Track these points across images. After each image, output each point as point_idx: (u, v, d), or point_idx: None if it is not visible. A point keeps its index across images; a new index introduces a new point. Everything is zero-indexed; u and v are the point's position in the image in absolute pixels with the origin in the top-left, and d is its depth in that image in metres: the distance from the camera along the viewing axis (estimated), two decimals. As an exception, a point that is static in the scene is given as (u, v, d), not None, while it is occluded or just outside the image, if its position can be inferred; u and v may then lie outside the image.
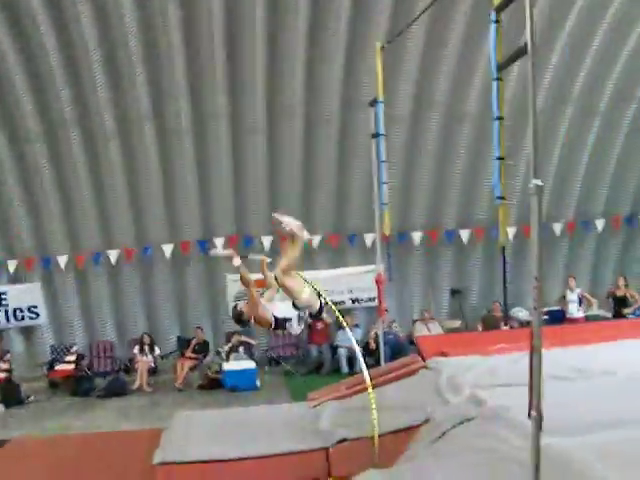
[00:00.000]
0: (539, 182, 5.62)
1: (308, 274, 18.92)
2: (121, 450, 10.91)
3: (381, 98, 12.95)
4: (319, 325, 18.25)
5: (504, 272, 6.87)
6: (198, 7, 16.28)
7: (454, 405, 10.09)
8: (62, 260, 18.28)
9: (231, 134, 17.92)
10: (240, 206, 18.74)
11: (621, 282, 18.41)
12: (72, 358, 18.02)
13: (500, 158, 6.55)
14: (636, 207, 19.91)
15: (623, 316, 17.97)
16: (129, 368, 18.20)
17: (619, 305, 18.29)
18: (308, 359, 18.54)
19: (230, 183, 18.44)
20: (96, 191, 18.12)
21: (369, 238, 18.16)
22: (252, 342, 18.36)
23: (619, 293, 18.31)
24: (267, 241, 18.65)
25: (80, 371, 17.71)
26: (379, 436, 9.71)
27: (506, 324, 14.04)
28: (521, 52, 5.99)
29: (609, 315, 19.00)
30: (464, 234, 19.21)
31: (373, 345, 17.22)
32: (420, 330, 18.33)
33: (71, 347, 18.37)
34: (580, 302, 18.25)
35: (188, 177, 18.16)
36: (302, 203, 18.69)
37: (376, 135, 13.31)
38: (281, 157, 18.27)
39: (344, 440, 9.79)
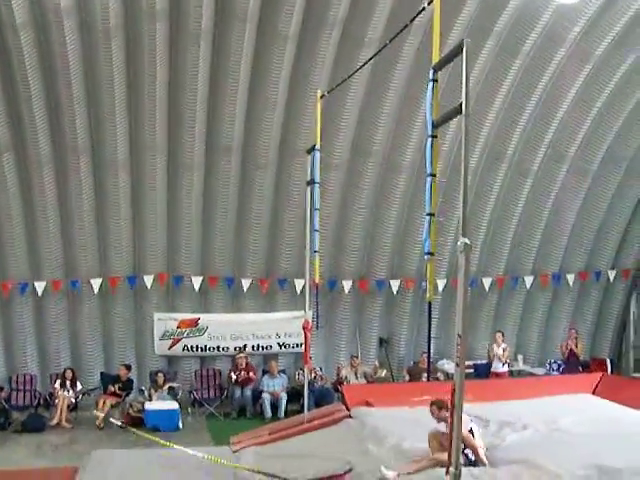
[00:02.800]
0: (467, 241, 5.69)
1: (236, 317, 19.01)
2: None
3: (318, 146, 13.05)
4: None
5: (429, 327, 6.92)
6: (140, 47, 16.27)
7: (377, 456, 10.09)
8: (-14, 288, 17.92)
9: (167, 169, 17.83)
10: (172, 244, 18.59)
11: (573, 335, 18.63)
12: (-11, 390, 17.65)
13: (431, 214, 6.62)
14: (564, 265, 20.21)
15: (578, 370, 18.16)
16: (49, 403, 17.76)
17: (574, 359, 18.51)
18: (232, 402, 18.27)
19: (164, 220, 18.30)
20: (26, 219, 17.78)
21: (299, 284, 18.14)
22: (175, 385, 18.02)
23: (572, 346, 18.50)
24: (197, 281, 18.55)
25: (-3, 404, 17.32)
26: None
27: (428, 378, 14.10)
28: (456, 111, 6.10)
29: (536, 371, 19.30)
30: (394, 284, 19.27)
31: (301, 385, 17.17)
32: (346, 378, 18.26)
33: (-11, 378, 17.97)
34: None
35: (122, 211, 17.98)
36: (234, 244, 18.67)
37: (311, 182, 13.38)
38: (216, 196, 18.18)
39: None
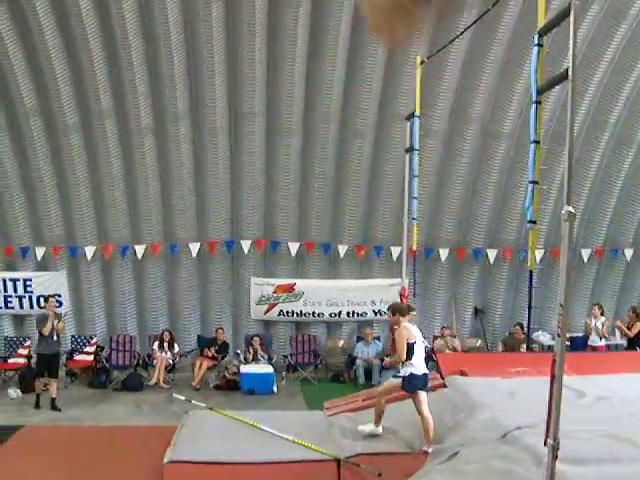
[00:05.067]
0: (571, 209, 5.57)
1: (332, 283, 18.99)
2: (132, 446, 10.90)
3: (418, 112, 12.94)
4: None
5: (530, 296, 6.85)
6: (240, 12, 16.29)
7: (470, 428, 10.03)
8: (89, 251, 18.30)
9: (265, 134, 17.92)
10: (269, 210, 18.72)
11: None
12: (92, 349, 18.11)
13: (534, 182, 6.50)
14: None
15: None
16: (147, 363, 18.14)
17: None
18: (327, 367, 18.21)
19: (262, 185, 18.44)
20: (128, 184, 18.13)
21: (396, 251, 18.09)
22: (264, 356, 18.13)
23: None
24: (294, 247, 18.65)
25: (98, 363, 17.76)
26: (393, 453, 9.67)
27: (528, 348, 13.92)
28: (562, 77, 5.95)
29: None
30: (491, 253, 19.03)
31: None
32: (440, 346, 18.17)
33: (91, 338, 18.42)
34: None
35: (220, 176, 18.15)
36: (331, 211, 18.67)
37: (410, 149, 13.30)
38: (313, 162, 18.21)
39: (358, 454, 9.73)
